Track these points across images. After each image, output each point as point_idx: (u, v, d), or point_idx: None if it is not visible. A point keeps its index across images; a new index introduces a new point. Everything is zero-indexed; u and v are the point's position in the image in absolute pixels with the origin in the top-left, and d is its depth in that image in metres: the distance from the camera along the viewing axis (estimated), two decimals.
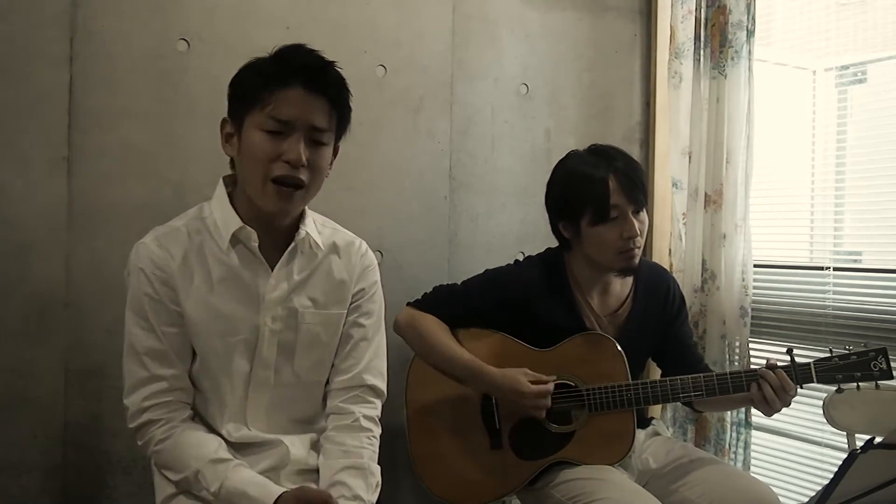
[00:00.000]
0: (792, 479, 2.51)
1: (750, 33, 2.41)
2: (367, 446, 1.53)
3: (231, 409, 1.50)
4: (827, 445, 2.40)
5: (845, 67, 2.56)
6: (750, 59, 2.41)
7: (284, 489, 1.39)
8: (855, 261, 2.53)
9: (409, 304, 2.01)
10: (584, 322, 1.93)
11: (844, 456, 1.11)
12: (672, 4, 2.58)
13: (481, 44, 2.39)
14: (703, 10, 2.51)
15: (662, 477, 1.88)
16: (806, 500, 2.35)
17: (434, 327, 1.93)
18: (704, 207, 2.51)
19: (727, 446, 2.45)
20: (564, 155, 1.98)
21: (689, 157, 2.56)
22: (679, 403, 2.21)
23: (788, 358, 1.79)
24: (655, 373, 2.13)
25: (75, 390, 1.89)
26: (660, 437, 2.03)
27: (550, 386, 1.83)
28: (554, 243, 2.02)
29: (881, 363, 1.73)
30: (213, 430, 1.50)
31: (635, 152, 2.58)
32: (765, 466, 2.57)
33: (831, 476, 1.08)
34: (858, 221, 2.55)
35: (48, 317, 1.86)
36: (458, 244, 2.38)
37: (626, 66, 2.64)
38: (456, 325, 1.97)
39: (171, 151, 1.97)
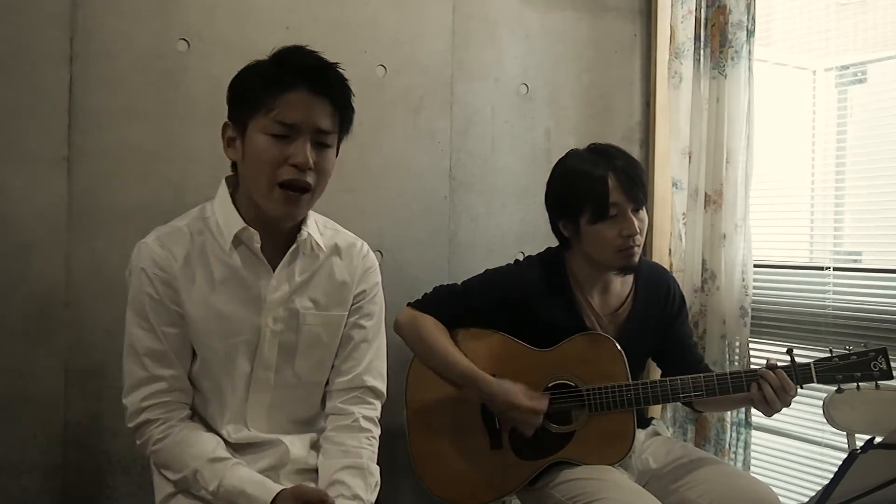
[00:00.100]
0: (792, 479, 2.51)
1: (750, 33, 2.41)
2: (367, 446, 1.53)
3: (231, 410, 1.50)
4: (827, 445, 2.40)
5: (845, 67, 2.56)
6: (750, 59, 2.41)
7: (283, 487, 1.39)
8: (855, 261, 2.53)
9: (409, 304, 2.01)
10: (584, 321, 1.93)
11: (844, 456, 1.11)
12: (672, 4, 2.58)
13: (481, 44, 2.39)
14: (703, 10, 2.51)
15: (662, 477, 1.88)
16: (806, 500, 2.35)
17: (433, 330, 1.93)
18: (704, 207, 2.51)
19: (727, 446, 2.45)
20: (564, 154, 1.98)
21: (689, 157, 2.56)
22: (679, 403, 2.21)
23: (788, 358, 1.79)
24: (655, 373, 2.13)
25: (75, 390, 1.89)
26: (660, 437, 2.03)
27: (545, 405, 1.82)
28: (554, 243, 2.02)
29: (881, 363, 1.73)
30: (212, 430, 1.50)
31: (635, 152, 2.58)
32: (765, 466, 2.57)
33: (831, 476, 1.08)
34: (858, 221, 2.55)
35: (48, 317, 1.86)
36: (458, 244, 2.38)
37: (625, 66, 2.64)
38: (456, 325, 1.97)
39: (171, 151, 1.97)
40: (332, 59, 1.44)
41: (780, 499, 1.79)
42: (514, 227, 2.46)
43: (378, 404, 1.60)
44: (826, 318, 2.35)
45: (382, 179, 2.25)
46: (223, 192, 1.50)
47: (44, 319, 1.86)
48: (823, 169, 2.58)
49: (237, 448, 1.49)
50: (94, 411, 1.91)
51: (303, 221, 1.50)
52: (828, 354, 1.77)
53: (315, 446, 1.55)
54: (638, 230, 1.86)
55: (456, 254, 2.37)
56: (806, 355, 1.82)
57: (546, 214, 1.99)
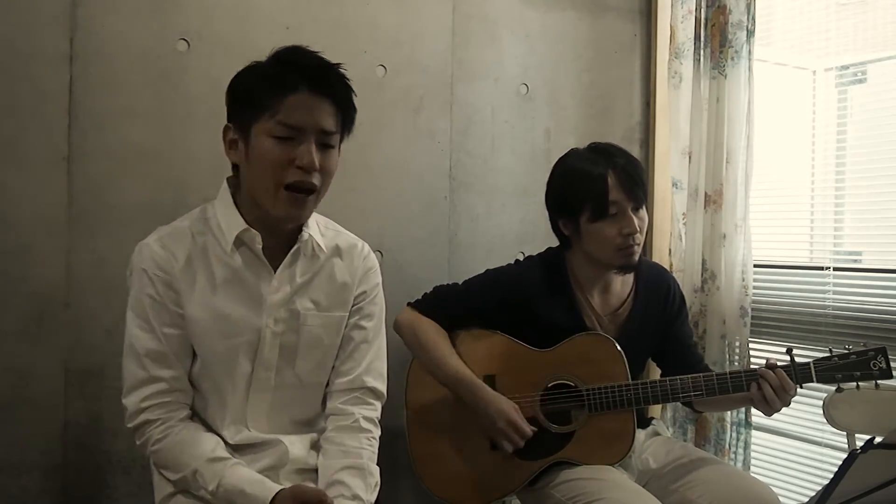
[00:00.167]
0: (792, 479, 2.51)
1: (750, 33, 2.41)
2: (367, 447, 1.53)
3: (232, 411, 1.50)
4: (827, 445, 2.40)
5: (845, 67, 2.56)
6: (750, 59, 2.41)
7: (282, 487, 1.39)
8: (855, 261, 2.53)
9: (409, 304, 2.01)
10: (584, 321, 1.93)
11: (844, 456, 1.11)
12: (672, 4, 2.58)
13: (481, 44, 2.39)
14: (703, 10, 2.51)
15: (662, 477, 1.88)
16: (806, 500, 2.35)
17: (432, 334, 1.93)
18: (704, 207, 2.51)
19: (727, 446, 2.45)
20: (565, 153, 1.98)
21: (689, 157, 2.56)
22: (679, 403, 2.21)
23: (788, 358, 1.79)
24: (655, 373, 2.13)
25: (75, 390, 1.89)
26: (660, 437, 2.03)
27: (529, 431, 1.82)
28: (554, 243, 2.02)
29: (881, 362, 1.74)
30: (212, 431, 1.50)
31: (635, 152, 2.58)
32: (765, 466, 2.57)
33: (831, 476, 1.08)
34: (858, 221, 2.54)
35: (48, 317, 1.86)
36: (459, 244, 2.38)
37: (625, 66, 2.64)
38: (456, 325, 1.97)
39: (171, 151, 1.97)
40: (332, 59, 1.44)
41: (780, 499, 1.79)
42: (514, 227, 2.46)
43: (378, 405, 1.60)
44: (826, 318, 2.35)
45: (382, 179, 2.25)
46: (225, 192, 1.49)
47: (44, 319, 1.86)
48: (823, 169, 2.58)
49: (237, 448, 1.49)
50: (94, 411, 1.91)
51: (304, 222, 1.50)
52: (827, 354, 1.77)
53: (315, 446, 1.55)
54: (638, 229, 1.86)
55: (456, 254, 2.37)
56: (806, 355, 1.82)
57: (546, 214, 1.99)
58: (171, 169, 1.97)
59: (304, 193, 1.40)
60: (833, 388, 1.80)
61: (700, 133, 2.51)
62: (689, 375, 1.84)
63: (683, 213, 2.58)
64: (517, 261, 2.07)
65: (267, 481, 1.41)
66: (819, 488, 1.22)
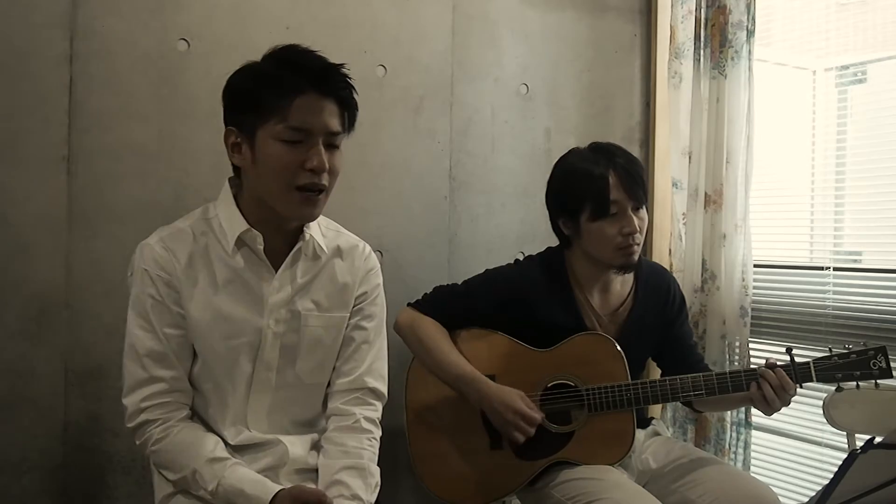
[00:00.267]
0: (792, 479, 2.51)
1: (750, 33, 2.41)
2: (368, 447, 1.53)
3: (232, 411, 1.50)
4: (827, 445, 2.40)
5: (845, 67, 2.56)
6: (750, 59, 2.41)
7: (281, 487, 1.40)
8: (855, 261, 2.53)
9: (409, 304, 2.01)
10: (584, 321, 1.93)
11: (844, 456, 1.11)
12: (672, 4, 2.58)
13: (481, 44, 2.39)
14: (703, 10, 2.51)
15: (662, 477, 1.88)
16: (806, 500, 2.35)
17: (433, 333, 1.93)
18: (704, 207, 2.51)
19: (727, 446, 2.45)
20: (565, 152, 1.99)
21: (689, 157, 2.56)
22: (679, 403, 2.21)
23: (788, 357, 1.79)
24: (655, 373, 2.13)
25: (75, 390, 1.89)
26: (660, 437, 2.03)
27: (539, 417, 1.82)
28: (554, 243, 2.02)
29: (880, 362, 1.74)
30: (213, 431, 1.50)
31: (635, 152, 2.57)
32: (765, 466, 2.57)
33: (831, 476, 1.08)
34: (858, 221, 2.54)
35: (48, 317, 1.86)
36: (458, 244, 2.38)
37: (626, 66, 2.64)
38: (456, 325, 1.97)
39: (171, 151, 1.97)
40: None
41: (780, 499, 1.80)
42: (514, 227, 2.46)
43: (379, 405, 1.60)
44: (826, 318, 2.35)
45: (382, 179, 2.25)
46: (226, 193, 1.49)
47: (44, 319, 1.86)
48: (823, 169, 2.58)
49: (237, 449, 1.49)
50: (94, 411, 1.91)
51: (305, 223, 1.50)
52: (827, 354, 1.77)
53: (315, 446, 1.55)
54: (638, 228, 1.86)
55: (456, 254, 2.37)
56: (806, 355, 1.81)
57: (546, 214, 1.99)
58: (170, 169, 1.97)
59: (314, 192, 1.41)
60: (833, 387, 1.80)
61: (700, 133, 2.51)
62: (689, 375, 1.84)
63: (683, 213, 2.58)
64: (517, 261, 2.07)
65: (267, 481, 1.41)
66: (819, 488, 1.22)
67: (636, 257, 1.89)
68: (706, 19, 2.51)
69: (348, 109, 1.44)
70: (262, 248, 1.46)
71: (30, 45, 1.83)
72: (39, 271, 1.85)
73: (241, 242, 1.46)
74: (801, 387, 1.77)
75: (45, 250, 1.86)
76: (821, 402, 1.97)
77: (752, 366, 2.17)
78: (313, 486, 1.47)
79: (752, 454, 2.48)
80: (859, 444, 1.29)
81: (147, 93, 1.94)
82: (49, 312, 1.86)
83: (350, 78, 1.43)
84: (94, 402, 1.91)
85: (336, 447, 1.51)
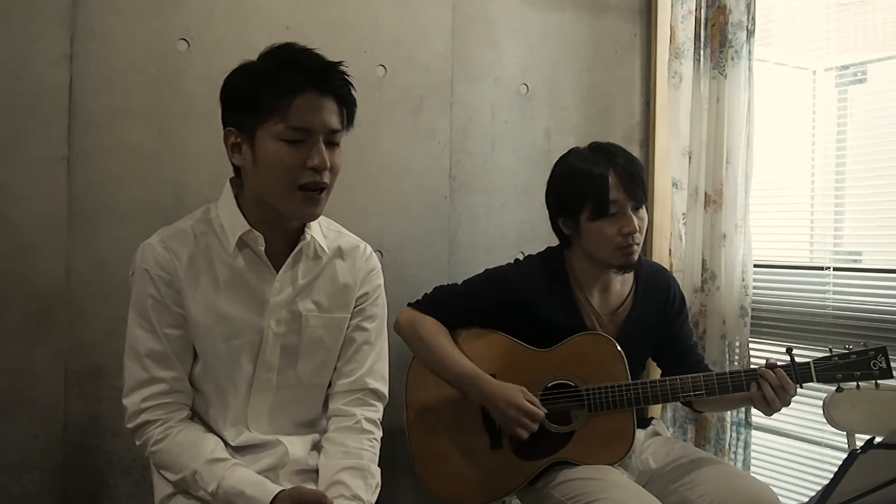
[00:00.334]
0: (792, 479, 2.51)
1: (750, 33, 2.41)
2: (368, 448, 1.53)
3: (233, 411, 1.50)
4: (827, 445, 2.40)
5: (845, 67, 2.56)
6: (750, 59, 2.41)
7: (282, 488, 1.39)
8: (855, 261, 2.53)
9: (409, 304, 2.01)
10: (584, 320, 1.93)
11: (844, 456, 1.11)
12: (672, 4, 2.58)
13: (481, 44, 2.39)
14: (703, 10, 2.51)
15: (662, 477, 1.88)
16: (806, 500, 2.35)
17: (434, 331, 1.93)
18: (704, 207, 2.51)
19: (727, 446, 2.45)
20: (565, 152, 1.99)
21: (689, 157, 2.56)
22: (679, 403, 2.21)
23: (788, 357, 1.79)
24: (655, 373, 2.13)
25: (75, 390, 1.89)
26: (660, 437, 2.03)
27: (542, 413, 1.82)
28: (554, 243, 2.02)
29: (881, 362, 1.74)
30: (213, 432, 1.50)
31: (635, 152, 2.57)
32: (765, 466, 2.57)
33: (831, 476, 1.08)
34: (858, 221, 2.54)
35: (48, 317, 1.86)
36: (459, 244, 2.38)
37: (626, 66, 2.64)
38: (456, 325, 1.97)
39: (171, 151, 1.97)
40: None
41: (780, 499, 1.80)
42: (514, 227, 2.46)
43: (380, 406, 1.60)
44: (826, 318, 2.35)
45: (382, 179, 2.25)
46: (228, 194, 1.49)
47: (44, 319, 1.86)
48: (823, 169, 2.58)
49: (237, 449, 1.49)
50: (94, 411, 1.91)
51: (306, 223, 1.50)
52: (827, 354, 1.77)
53: (316, 447, 1.55)
54: (637, 228, 1.86)
55: (456, 254, 2.37)
56: (806, 355, 1.82)
57: (546, 214, 1.99)
58: (170, 169, 1.97)
59: (316, 192, 1.41)
60: (833, 387, 1.80)
61: (700, 133, 2.51)
62: (689, 375, 1.84)
63: (683, 213, 2.58)
64: (517, 260, 2.07)
65: (267, 482, 1.41)
66: (819, 488, 1.22)
67: (636, 257, 1.89)
68: (706, 19, 2.51)
69: (347, 107, 1.44)
70: (263, 248, 1.46)
71: (30, 45, 1.82)
72: (39, 271, 1.85)
73: (242, 243, 1.46)
74: (801, 387, 1.77)
75: (45, 250, 1.86)
76: (821, 402, 1.97)
77: (752, 366, 2.17)
78: (314, 486, 1.47)
79: (752, 454, 2.48)
80: (859, 444, 1.29)
81: (147, 93, 1.94)
82: (49, 312, 1.86)
83: (348, 75, 1.43)
84: (94, 402, 1.91)
85: (337, 447, 1.51)
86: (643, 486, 1.83)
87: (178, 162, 1.98)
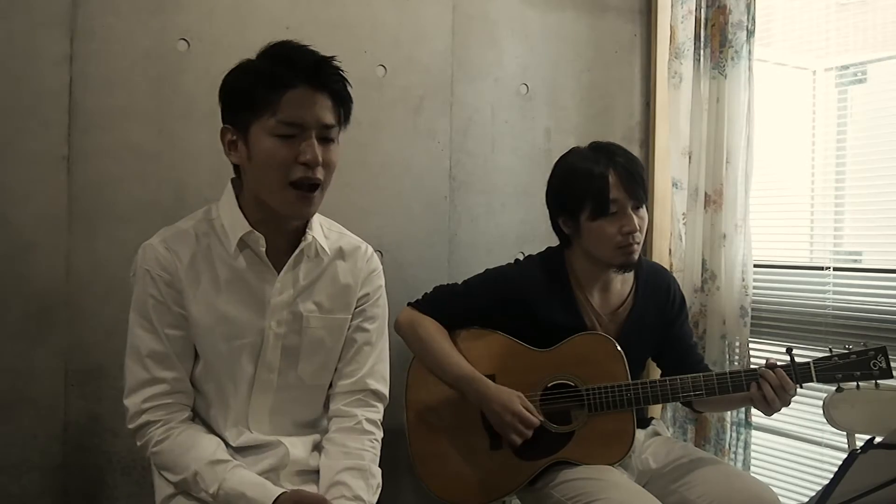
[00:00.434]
0: (792, 479, 2.51)
1: (750, 33, 2.41)
2: (369, 449, 1.53)
3: (234, 412, 1.50)
4: (827, 445, 2.40)
5: (845, 67, 2.56)
6: (750, 59, 2.41)
7: (283, 490, 1.39)
8: (855, 261, 2.53)
9: (409, 304, 2.01)
10: (584, 320, 1.93)
11: (844, 456, 1.11)
12: (672, 4, 2.58)
13: (481, 44, 2.39)
14: (703, 10, 2.51)
15: (662, 477, 1.88)
16: (806, 500, 2.35)
17: (433, 332, 1.93)
18: (704, 207, 2.51)
19: (727, 446, 2.45)
20: (565, 151, 1.99)
21: (689, 157, 2.56)
22: (679, 403, 2.21)
23: (788, 357, 1.79)
24: (655, 373, 2.13)
25: (75, 390, 1.89)
26: (660, 437, 2.03)
27: (537, 421, 1.82)
28: (554, 243, 2.02)
29: (881, 362, 1.74)
30: (214, 433, 1.50)
31: (635, 152, 2.56)
32: (765, 466, 2.57)
33: (831, 476, 1.08)
34: (858, 221, 2.54)
35: (48, 317, 1.86)
36: (459, 244, 2.38)
37: (626, 66, 2.64)
38: (456, 325, 1.97)
39: (171, 151, 1.97)
40: (337, 62, 1.43)
41: (780, 499, 1.80)
42: (514, 227, 2.46)
43: (381, 407, 1.60)
44: (826, 318, 2.35)
45: (382, 179, 2.25)
46: (229, 194, 1.49)
47: (44, 319, 1.86)
48: (823, 169, 2.58)
49: (238, 450, 1.49)
50: (94, 411, 1.91)
51: (307, 224, 1.50)
52: (827, 354, 1.77)
53: (317, 448, 1.55)
54: (637, 227, 1.86)
55: (456, 253, 2.37)
56: (806, 355, 1.82)
57: (546, 214, 2.00)
58: (170, 169, 1.97)
59: (310, 190, 1.40)
60: (833, 387, 1.80)
61: (700, 133, 2.51)
62: (689, 375, 1.84)
63: (683, 213, 2.58)
64: (517, 260, 2.07)
65: (268, 484, 1.41)
66: (819, 488, 1.22)
67: (636, 256, 1.89)
68: (706, 19, 2.51)
69: (342, 102, 1.43)
70: (263, 249, 1.46)
71: (30, 45, 1.82)
72: (39, 271, 1.85)
73: (243, 244, 1.46)
74: (801, 387, 1.77)
75: (45, 250, 1.85)
76: (821, 402, 1.97)
77: (752, 366, 2.17)
78: (314, 487, 1.48)
79: (752, 454, 2.48)
80: (859, 444, 1.29)
81: (147, 93, 1.94)
82: (49, 312, 1.86)
83: (343, 71, 1.43)
84: (94, 402, 1.91)
85: (337, 448, 1.51)
86: (643, 486, 1.83)
87: (178, 162, 1.98)
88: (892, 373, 1.74)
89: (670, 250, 2.64)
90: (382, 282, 1.63)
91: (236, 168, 1.49)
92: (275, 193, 1.40)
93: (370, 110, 2.18)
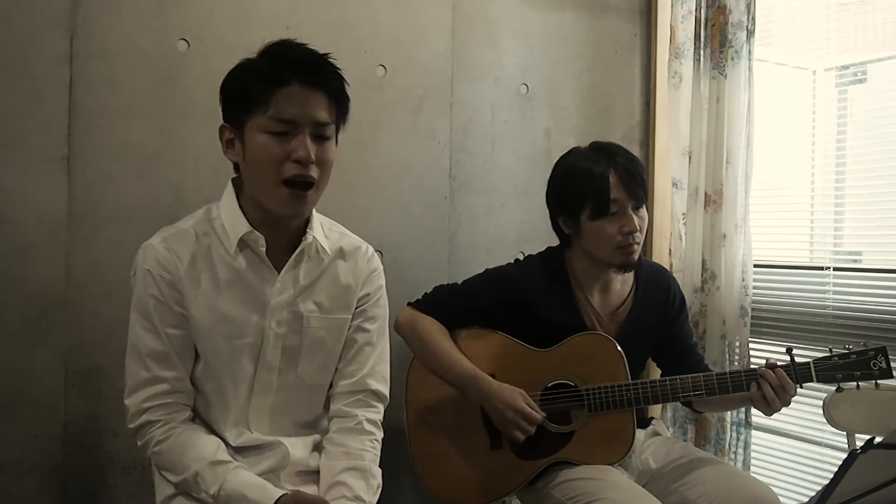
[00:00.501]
0: (792, 479, 2.51)
1: (750, 33, 2.41)
2: (370, 449, 1.53)
3: (234, 412, 1.49)
4: (827, 445, 2.40)
5: (845, 67, 2.56)
6: (750, 59, 2.41)
7: (284, 491, 1.39)
8: (855, 261, 2.53)
9: (409, 304, 2.01)
10: (584, 320, 1.93)
11: (844, 456, 1.11)
12: (672, 4, 2.58)
13: (481, 44, 2.39)
14: (703, 10, 2.51)
15: (662, 477, 1.88)
16: (806, 500, 2.35)
17: (434, 331, 1.93)
18: (704, 207, 2.51)
19: (727, 446, 2.45)
20: (566, 151, 1.99)
21: (689, 157, 2.56)
22: (679, 403, 2.21)
23: (788, 357, 1.79)
24: (655, 373, 2.13)
25: (75, 390, 1.89)
26: (660, 437, 2.03)
27: (540, 417, 1.82)
28: (554, 243, 2.02)
29: (881, 362, 1.74)
30: (214, 433, 1.50)
31: (635, 152, 2.55)
32: (765, 466, 2.57)
33: (831, 476, 1.08)
34: (858, 221, 2.54)
35: (48, 317, 1.86)
36: (459, 244, 2.38)
37: (626, 66, 2.64)
38: (456, 324, 1.97)
39: (171, 151, 1.97)
40: (335, 61, 1.43)
41: (780, 499, 1.80)
42: (514, 227, 2.46)
43: (381, 407, 1.60)
44: (826, 318, 2.35)
45: (382, 179, 2.25)
46: (229, 194, 1.49)
47: (44, 319, 1.86)
48: (823, 169, 2.58)
49: (238, 450, 1.49)
50: (94, 411, 1.91)
51: (308, 224, 1.50)
52: (827, 354, 1.77)
53: (317, 448, 1.55)
54: (637, 227, 1.86)
55: (456, 253, 2.37)
56: (806, 355, 1.82)
57: (546, 214, 2.00)
58: (170, 169, 1.97)
59: (303, 189, 1.40)
60: (833, 387, 1.80)
61: (700, 133, 2.51)
62: (689, 375, 1.84)
63: (683, 213, 2.58)
64: (517, 260, 2.07)
65: (269, 486, 1.41)
66: (819, 488, 1.22)
67: (636, 256, 1.89)
68: (706, 19, 2.51)
69: (338, 100, 1.43)
70: (264, 249, 1.46)
71: (30, 45, 1.82)
72: (39, 271, 1.85)
73: (243, 244, 1.46)
74: (801, 387, 1.77)
75: (45, 250, 1.85)
76: (821, 402, 1.97)
77: (752, 366, 2.17)
78: (315, 487, 1.48)
79: (752, 454, 2.48)
80: (859, 444, 1.29)
81: (147, 93, 1.94)
82: (49, 312, 1.86)
83: (339, 69, 1.43)
84: (94, 402, 1.91)
85: (338, 448, 1.51)
86: (643, 486, 1.83)
87: (178, 162, 1.98)
88: (892, 373, 1.74)
89: (670, 250, 2.64)
90: (383, 282, 1.63)
91: (237, 167, 1.49)
92: (268, 191, 1.40)
93: (370, 110, 2.18)
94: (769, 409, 1.77)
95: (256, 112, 1.37)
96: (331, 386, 1.58)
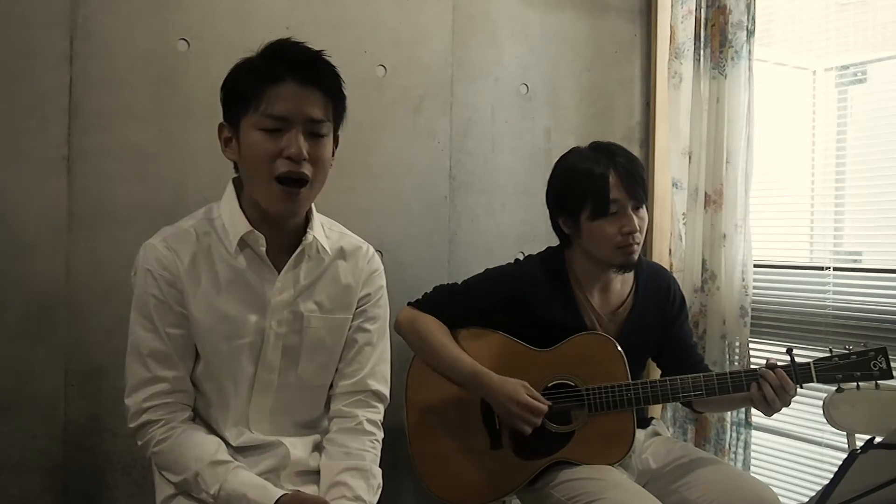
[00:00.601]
0: (792, 479, 2.51)
1: (750, 33, 2.41)
2: (370, 449, 1.53)
3: (234, 412, 1.49)
4: (827, 445, 2.40)
5: (845, 67, 2.56)
6: (750, 59, 2.41)
7: (284, 492, 1.39)
8: (855, 261, 2.53)
9: (409, 303, 2.01)
10: (584, 320, 1.93)
11: (844, 456, 1.11)
12: (672, 4, 2.58)
13: (481, 44, 2.39)
14: (703, 10, 2.51)
15: (662, 477, 1.88)
16: (806, 500, 2.35)
17: (434, 329, 1.94)
18: (704, 207, 2.51)
19: (727, 446, 2.45)
20: (566, 151, 1.99)
21: (689, 157, 2.56)
22: (679, 403, 2.21)
23: (788, 358, 1.79)
24: (655, 373, 2.13)
25: (75, 390, 1.89)
26: (660, 437, 2.03)
27: (545, 408, 1.82)
28: (554, 243, 2.02)
29: (881, 363, 1.74)
30: (214, 432, 1.50)
31: (635, 152, 2.56)
32: (765, 466, 2.57)
33: (831, 476, 1.08)
34: (858, 221, 2.54)
35: (48, 317, 1.86)
36: (459, 244, 2.38)
37: (626, 66, 2.64)
38: (456, 324, 1.97)
39: (171, 151, 1.97)
40: (332, 59, 1.43)
41: (780, 499, 1.80)
42: (514, 227, 2.46)
43: (381, 408, 1.60)
44: (826, 318, 2.35)
45: (383, 179, 2.25)
46: (230, 193, 1.49)
47: (44, 319, 1.86)
48: (823, 169, 2.58)
49: (238, 450, 1.49)
50: (94, 411, 1.91)
51: (308, 224, 1.50)
52: (827, 354, 1.77)
53: (317, 448, 1.55)
54: (637, 227, 1.86)
55: (456, 253, 2.37)
56: (806, 355, 1.82)
57: (546, 214, 2.00)
58: (170, 169, 1.97)
59: (296, 186, 1.39)
60: (833, 388, 1.80)
61: (700, 133, 2.51)
62: (689, 375, 1.84)
63: (683, 213, 2.58)
64: (517, 260, 2.07)
65: (269, 486, 1.41)
66: (819, 488, 1.22)
67: (636, 256, 1.89)
68: (706, 19, 2.51)
69: (334, 98, 1.43)
70: (264, 249, 1.46)
71: (30, 45, 1.82)
72: (39, 271, 1.85)
73: (243, 243, 1.46)
74: (801, 387, 1.77)
75: (45, 250, 1.85)
76: (821, 403, 1.97)
77: (752, 366, 2.17)
78: (315, 487, 1.47)
79: (752, 454, 2.48)
80: (859, 444, 1.29)
81: (147, 92, 1.94)
82: (49, 312, 1.86)
83: (335, 66, 1.43)
84: (94, 402, 1.91)
85: (338, 448, 1.51)
86: (643, 486, 1.83)
87: (178, 162, 1.98)
88: (892, 373, 1.74)
89: (670, 250, 2.64)
90: (384, 282, 1.63)
91: (237, 167, 1.49)
92: (262, 189, 1.40)
93: (370, 110, 2.18)
94: (769, 410, 1.77)
95: (250, 109, 1.38)
96: (331, 386, 1.58)
